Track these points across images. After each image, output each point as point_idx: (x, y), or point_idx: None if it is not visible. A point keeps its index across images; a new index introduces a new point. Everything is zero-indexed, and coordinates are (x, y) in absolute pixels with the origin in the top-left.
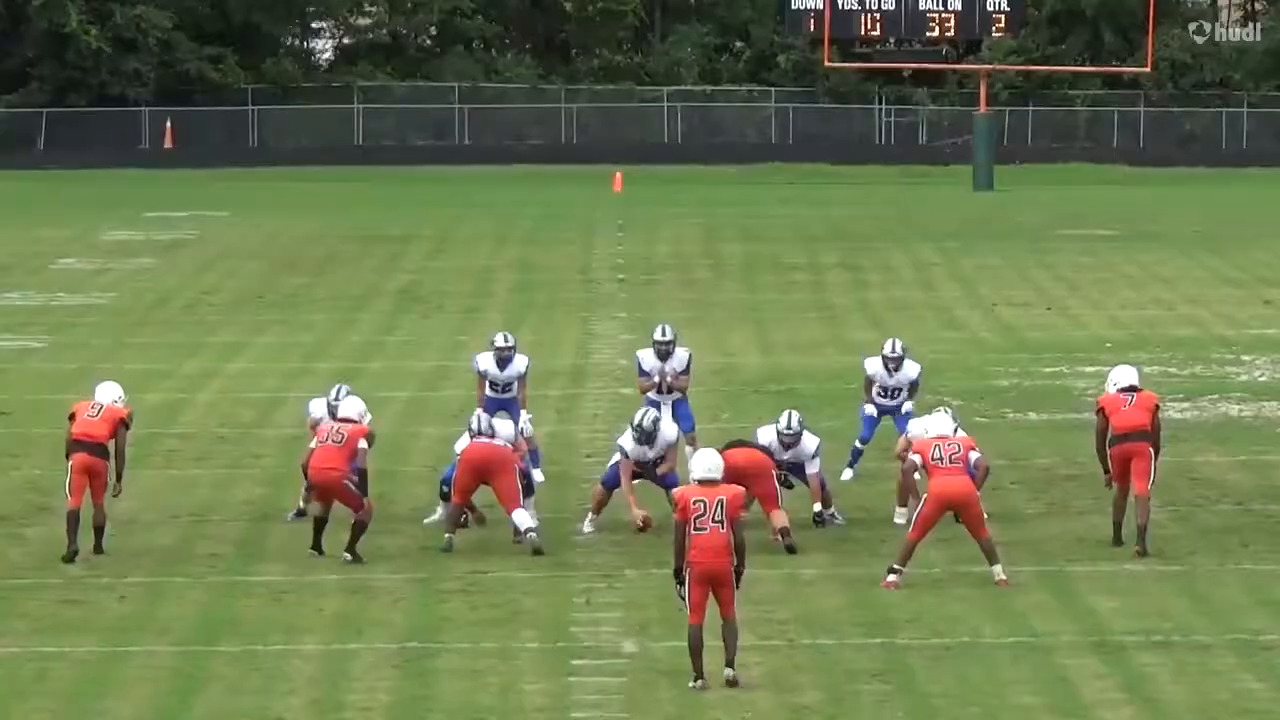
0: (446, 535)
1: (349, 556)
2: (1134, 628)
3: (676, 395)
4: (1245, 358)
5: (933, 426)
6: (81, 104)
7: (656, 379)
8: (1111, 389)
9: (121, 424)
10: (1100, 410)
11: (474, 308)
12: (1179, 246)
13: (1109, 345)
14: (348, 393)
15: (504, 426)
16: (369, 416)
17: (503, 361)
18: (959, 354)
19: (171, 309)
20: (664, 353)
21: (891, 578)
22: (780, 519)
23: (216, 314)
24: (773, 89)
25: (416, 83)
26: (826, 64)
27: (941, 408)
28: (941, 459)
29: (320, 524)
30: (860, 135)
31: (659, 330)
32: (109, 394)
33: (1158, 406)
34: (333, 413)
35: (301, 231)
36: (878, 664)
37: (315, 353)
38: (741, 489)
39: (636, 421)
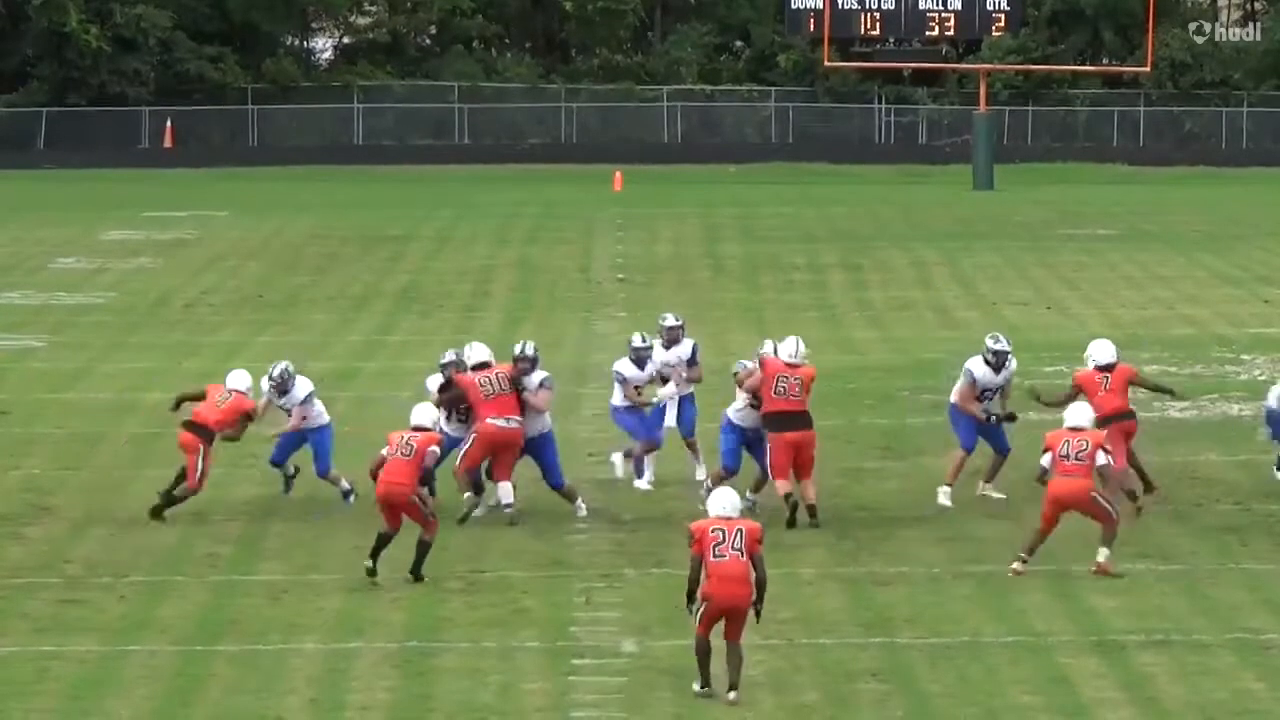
0: (468, 495)
1: (411, 578)
2: (1133, 627)
3: (687, 390)
4: (1245, 357)
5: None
6: (81, 103)
7: (671, 372)
8: (1090, 365)
9: (245, 416)
10: (1076, 386)
11: (473, 307)
12: (1178, 246)
13: None
14: (290, 373)
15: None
16: (441, 421)
17: (640, 362)
18: (959, 353)
19: (171, 308)
20: (672, 339)
21: (1017, 565)
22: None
23: (216, 314)
24: (772, 89)
25: (416, 82)
26: (826, 63)
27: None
28: (1068, 455)
29: (384, 540)
30: (860, 135)
31: (665, 317)
32: (240, 382)
33: (1134, 376)
34: (280, 389)
35: (301, 231)
36: (877, 663)
37: (315, 352)
38: (758, 525)
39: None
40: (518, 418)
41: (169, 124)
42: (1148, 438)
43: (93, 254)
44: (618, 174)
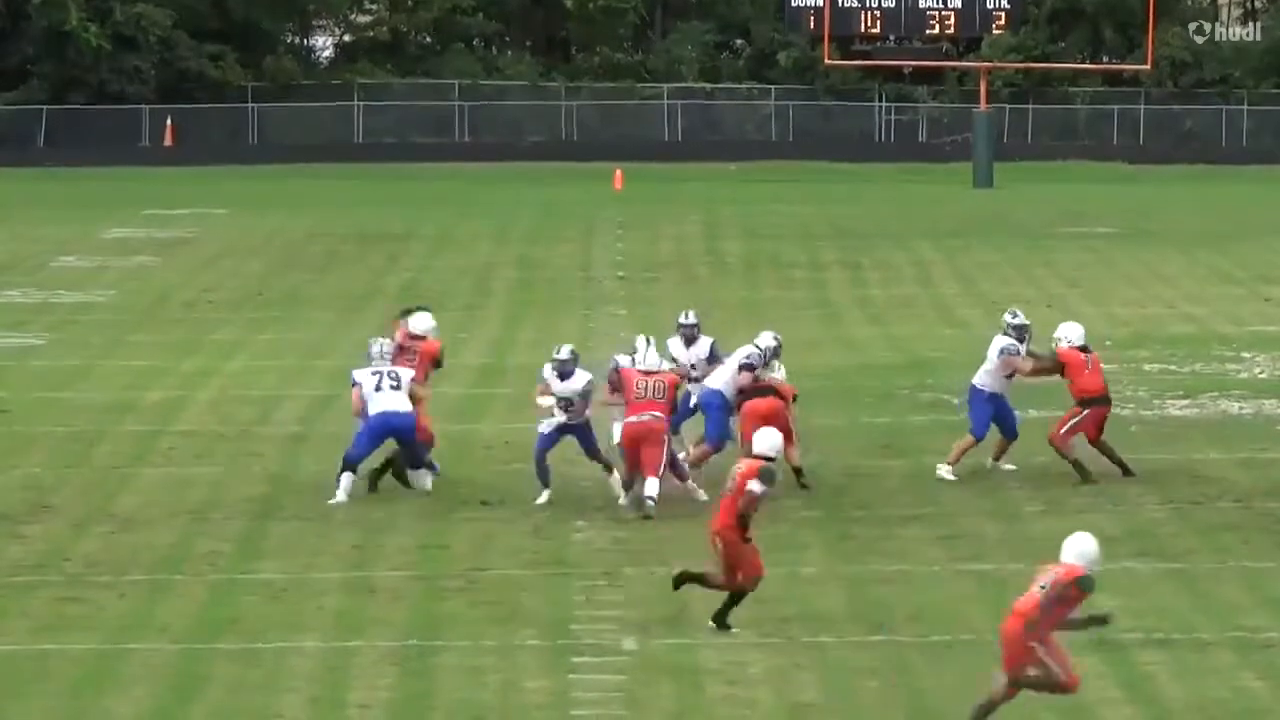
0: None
1: (714, 625)
2: (1134, 626)
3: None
4: (1245, 355)
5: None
6: (81, 102)
7: (687, 368)
8: (1065, 344)
9: (433, 360)
10: (1060, 362)
11: (474, 306)
12: (1179, 244)
13: (1109, 342)
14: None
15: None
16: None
17: (563, 375)
18: (959, 351)
19: (171, 307)
20: (689, 337)
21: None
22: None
23: (216, 312)
24: (773, 87)
25: (417, 80)
26: (827, 61)
27: None
28: None
29: (691, 578)
30: (860, 133)
31: (684, 315)
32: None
33: None
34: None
35: (301, 229)
36: (878, 662)
37: (315, 351)
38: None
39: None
40: (655, 413)
41: (169, 122)
42: (1149, 436)
43: (93, 252)
44: (618, 172)
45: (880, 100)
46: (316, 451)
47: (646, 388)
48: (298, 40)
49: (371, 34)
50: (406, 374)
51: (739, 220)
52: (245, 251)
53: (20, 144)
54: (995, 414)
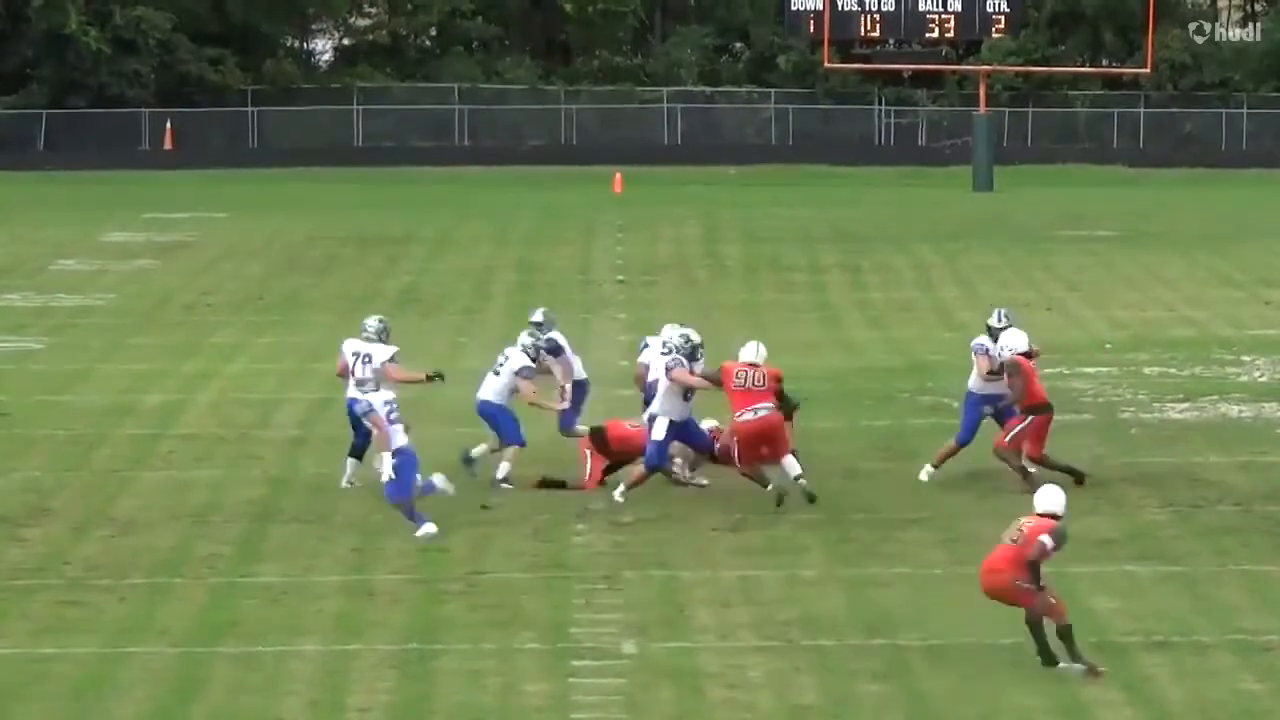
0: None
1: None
2: (1134, 628)
3: None
4: (1245, 358)
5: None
6: (81, 105)
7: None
8: (1008, 353)
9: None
10: (1014, 365)
11: (474, 309)
12: (1179, 247)
13: (1109, 345)
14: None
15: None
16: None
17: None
18: (960, 354)
19: (171, 310)
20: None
21: None
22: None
23: (216, 315)
24: (772, 90)
25: (416, 84)
26: (826, 65)
27: None
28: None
29: (1037, 631)
30: (860, 136)
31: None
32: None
33: None
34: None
35: (301, 233)
36: (879, 665)
37: (315, 354)
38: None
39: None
40: (767, 405)
41: (169, 126)
42: (1149, 439)
43: (92, 255)
44: (618, 175)
45: (880, 104)
46: (316, 454)
47: (747, 378)
48: (297, 44)
49: (371, 37)
50: (382, 352)
51: (739, 223)
52: (245, 255)
53: (20, 147)
54: (995, 417)
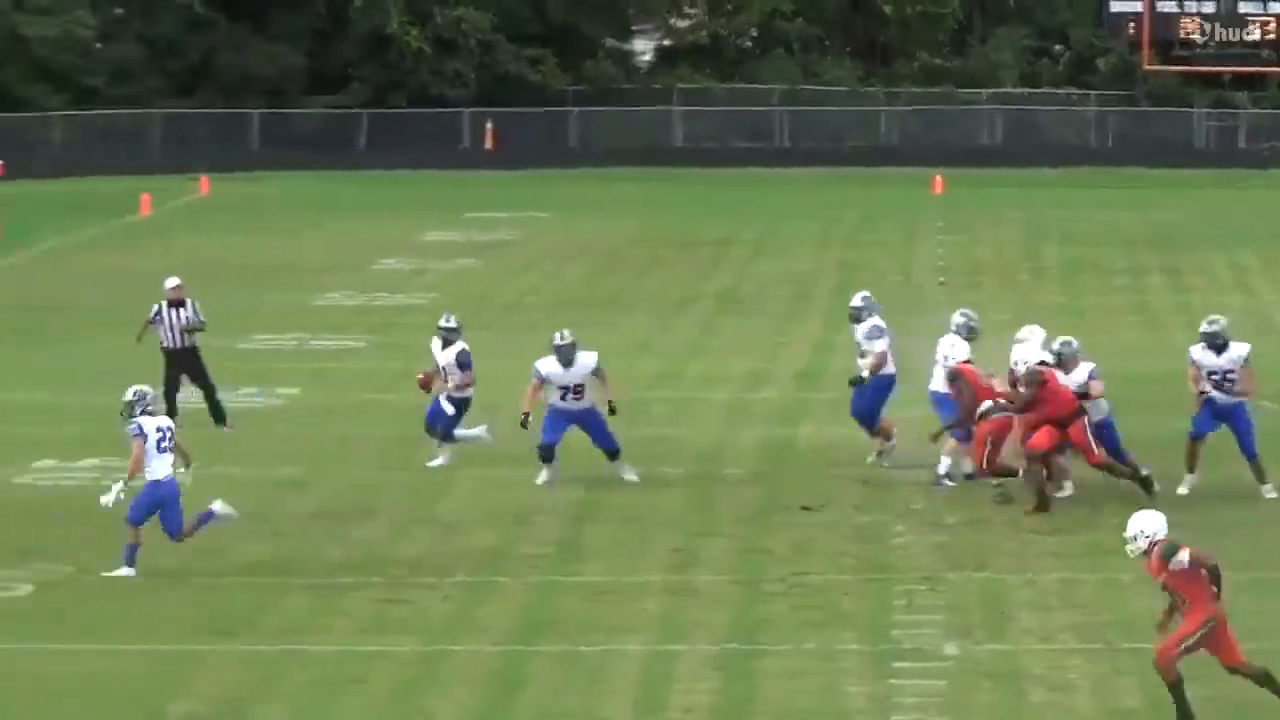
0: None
1: None
2: None
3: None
4: None
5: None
6: (401, 105)
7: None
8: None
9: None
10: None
11: (793, 311)
12: None
13: None
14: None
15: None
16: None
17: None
18: (1277, 358)
19: (490, 310)
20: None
21: None
22: None
23: (537, 314)
24: (1092, 92)
25: (736, 85)
26: (1146, 67)
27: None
28: None
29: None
30: (1179, 139)
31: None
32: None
33: None
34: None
35: (621, 233)
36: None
37: (635, 354)
38: None
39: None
40: None
41: (489, 125)
42: None
43: (413, 255)
44: (938, 177)
45: (1200, 106)
46: (638, 454)
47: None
48: (617, 44)
49: (691, 38)
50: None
51: (1058, 226)
52: (565, 255)
53: (341, 147)
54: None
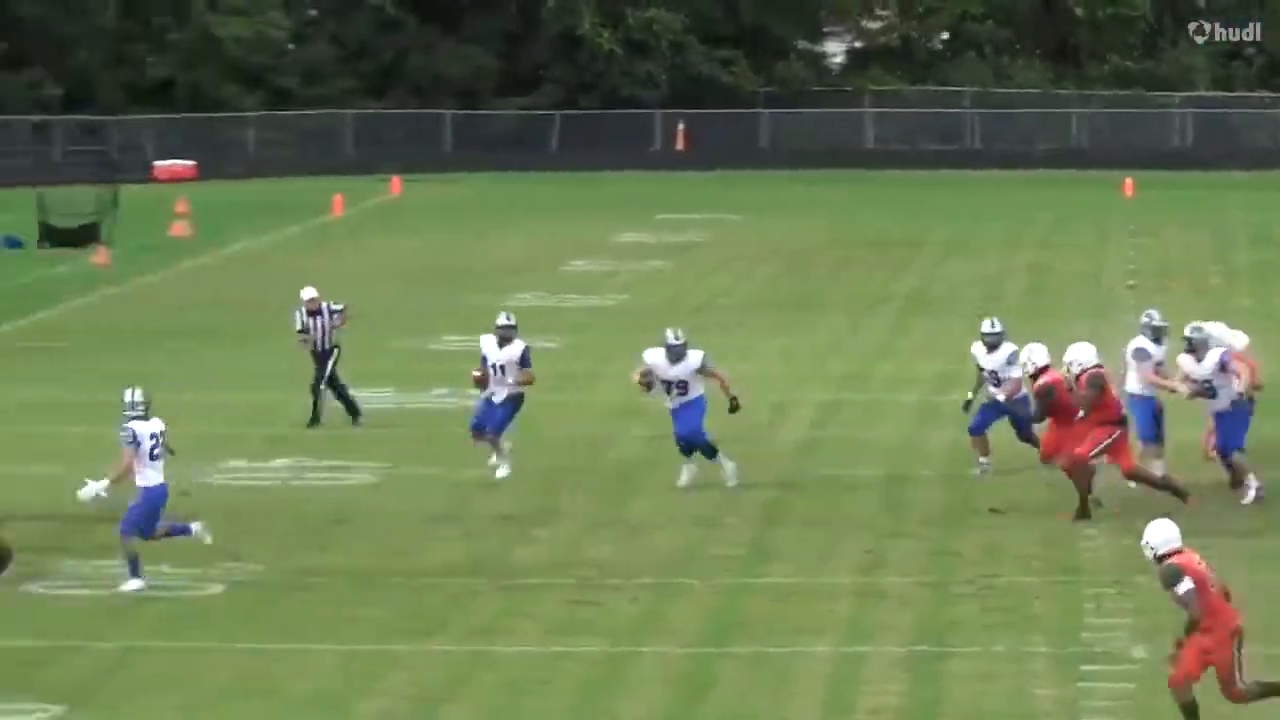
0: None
1: None
2: None
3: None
4: None
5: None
6: (593, 106)
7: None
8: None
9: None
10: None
11: (984, 312)
12: None
13: None
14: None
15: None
16: None
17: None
18: None
19: (680, 311)
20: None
21: None
22: None
23: (728, 316)
24: None
25: (927, 87)
26: None
27: None
28: None
29: None
30: None
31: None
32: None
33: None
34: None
35: (811, 235)
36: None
37: (825, 356)
38: None
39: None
40: None
41: (681, 127)
42: None
43: (604, 256)
44: (1128, 180)
45: None
46: (827, 456)
47: None
48: (809, 46)
49: (883, 40)
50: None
51: (1250, 229)
52: (756, 256)
53: (533, 148)
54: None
